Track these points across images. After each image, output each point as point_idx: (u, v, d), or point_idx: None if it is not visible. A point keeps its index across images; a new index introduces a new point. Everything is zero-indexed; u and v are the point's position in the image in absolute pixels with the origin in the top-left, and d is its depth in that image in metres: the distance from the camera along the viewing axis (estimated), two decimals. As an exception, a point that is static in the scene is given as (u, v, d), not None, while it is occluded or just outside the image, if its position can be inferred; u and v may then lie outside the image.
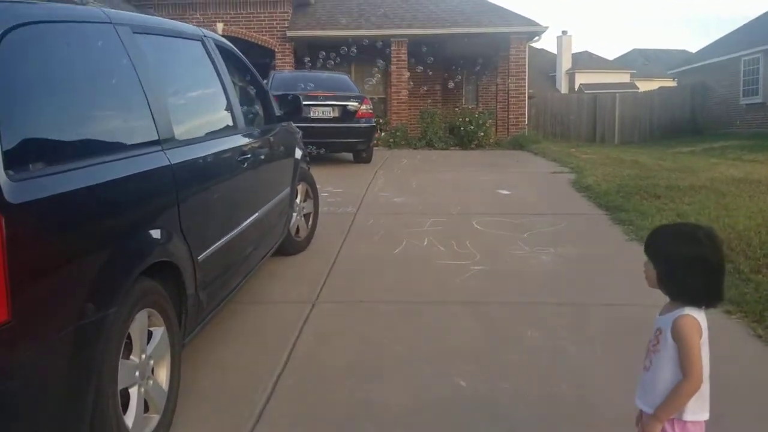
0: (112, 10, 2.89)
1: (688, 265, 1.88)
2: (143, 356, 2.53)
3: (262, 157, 4.29)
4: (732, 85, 22.58)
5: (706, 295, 1.89)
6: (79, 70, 2.52)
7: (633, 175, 9.63)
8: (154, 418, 2.61)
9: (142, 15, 3.37)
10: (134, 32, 2.93)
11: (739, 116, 22.28)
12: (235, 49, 4.56)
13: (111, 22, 2.78)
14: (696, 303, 1.89)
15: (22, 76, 2.14)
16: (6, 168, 1.88)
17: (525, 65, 17.35)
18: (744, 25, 25.18)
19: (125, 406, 2.40)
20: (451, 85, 18.12)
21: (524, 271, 5.08)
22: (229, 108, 4.01)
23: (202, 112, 3.86)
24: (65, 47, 2.47)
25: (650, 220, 6.33)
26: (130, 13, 3.19)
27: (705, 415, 1.90)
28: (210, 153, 3.41)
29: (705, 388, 1.89)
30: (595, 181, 9.00)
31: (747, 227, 5.88)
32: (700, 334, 1.85)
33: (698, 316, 1.87)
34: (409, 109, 17.62)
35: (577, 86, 38.73)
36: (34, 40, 2.25)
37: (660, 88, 27.48)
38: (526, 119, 17.93)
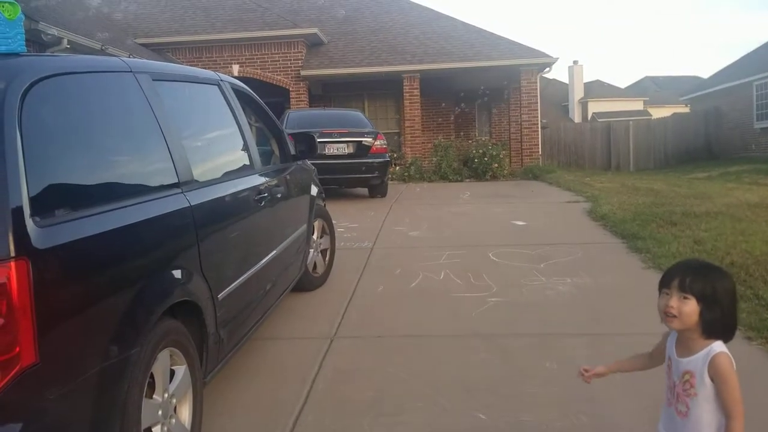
0: (132, 59, 3.00)
1: (732, 301, 1.90)
2: (166, 395, 2.57)
3: (279, 195, 4.37)
4: (745, 109, 22.57)
5: (733, 331, 1.91)
6: (101, 117, 2.62)
7: (649, 203, 9.62)
8: (177, 456, 2.63)
9: (161, 63, 3.48)
10: (154, 79, 3.04)
11: (753, 140, 22.22)
12: (251, 91, 4.67)
13: (131, 71, 2.89)
14: (727, 338, 1.89)
15: (47, 126, 2.23)
16: (32, 214, 1.95)
17: (537, 96, 17.48)
18: (755, 49, 25.25)
19: (149, 445, 2.43)
20: (463, 117, 18.27)
21: (541, 302, 5.08)
22: (245, 148, 4.11)
23: (220, 154, 3.95)
24: (88, 97, 2.56)
25: (667, 248, 6.31)
26: (150, 61, 3.30)
27: None
28: (228, 193, 3.49)
29: None
30: (610, 209, 9.00)
31: (764, 252, 5.85)
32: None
33: (727, 350, 1.87)
34: (422, 142, 17.77)
35: (590, 115, 38.84)
36: (59, 91, 2.35)
37: (673, 114, 27.51)
38: (540, 149, 18.00)
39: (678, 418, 1.92)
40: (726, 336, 1.89)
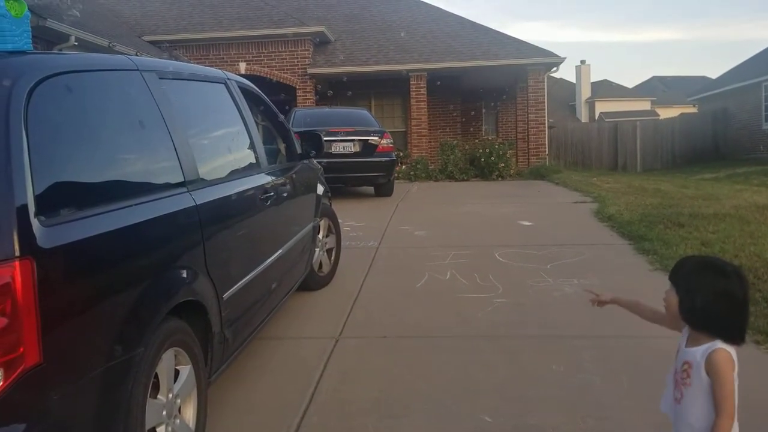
0: (139, 57, 2.98)
1: (714, 298, 1.88)
2: (170, 395, 2.55)
3: (285, 194, 4.35)
4: (754, 110, 22.45)
5: (732, 331, 1.89)
6: (107, 116, 2.60)
7: (656, 204, 9.57)
8: (181, 457, 2.62)
9: (168, 61, 3.47)
10: (160, 78, 3.02)
11: (762, 141, 22.09)
12: (257, 89, 4.66)
13: (138, 69, 2.88)
14: (724, 337, 1.88)
15: (53, 124, 2.21)
16: (37, 214, 1.94)
17: (544, 95, 17.42)
18: (764, 50, 25.09)
19: (153, 445, 2.42)
20: (470, 116, 18.20)
21: (548, 303, 5.05)
22: (251, 147, 4.10)
23: (226, 153, 3.94)
24: (94, 95, 2.55)
25: (674, 249, 6.27)
26: (157, 59, 3.29)
27: None
28: (234, 192, 3.48)
29: (735, 424, 1.87)
30: (617, 210, 8.96)
31: (773, 255, 5.81)
32: (734, 369, 1.84)
33: (731, 350, 1.86)
34: (429, 141, 17.74)
35: (597, 115, 38.74)
36: (65, 90, 2.33)
37: (681, 114, 27.39)
38: (547, 149, 17.95)
39: (674, 402, 1.98)
40: (722, 335, 1.87)
